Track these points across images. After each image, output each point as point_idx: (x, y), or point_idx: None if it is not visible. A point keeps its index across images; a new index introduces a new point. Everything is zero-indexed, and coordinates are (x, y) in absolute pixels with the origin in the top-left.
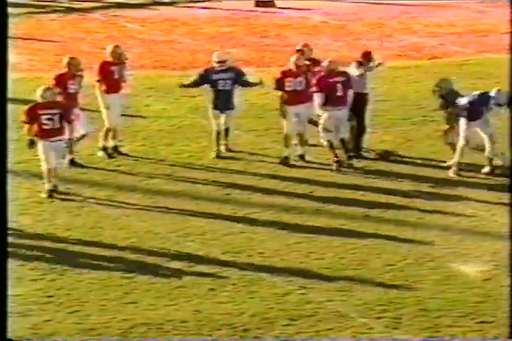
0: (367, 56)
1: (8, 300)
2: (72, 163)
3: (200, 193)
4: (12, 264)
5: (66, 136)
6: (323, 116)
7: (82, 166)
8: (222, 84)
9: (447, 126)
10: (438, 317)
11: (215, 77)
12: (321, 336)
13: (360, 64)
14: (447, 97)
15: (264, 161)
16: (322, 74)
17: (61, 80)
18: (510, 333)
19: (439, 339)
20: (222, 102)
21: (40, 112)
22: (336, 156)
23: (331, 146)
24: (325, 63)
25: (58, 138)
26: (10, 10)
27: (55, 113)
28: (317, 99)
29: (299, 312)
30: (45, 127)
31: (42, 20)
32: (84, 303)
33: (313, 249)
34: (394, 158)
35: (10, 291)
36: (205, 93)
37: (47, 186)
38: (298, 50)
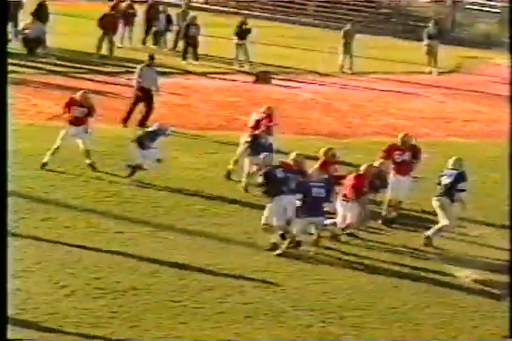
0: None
1: (8, 303)
2: None
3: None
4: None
5: None
6: None
7: None
8: None
9: None
10: None
11: None
12: None
13: None
14: None
15: None
16: None
17: None
18: (510, 333)
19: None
20: None
21: None
22: None
23: None
24: None
25: None
26: None
27: None
28: None
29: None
30: None
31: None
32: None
33: (328, 290)
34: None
35: (79, 305)
36: (220, 151)
37: None
38: None
